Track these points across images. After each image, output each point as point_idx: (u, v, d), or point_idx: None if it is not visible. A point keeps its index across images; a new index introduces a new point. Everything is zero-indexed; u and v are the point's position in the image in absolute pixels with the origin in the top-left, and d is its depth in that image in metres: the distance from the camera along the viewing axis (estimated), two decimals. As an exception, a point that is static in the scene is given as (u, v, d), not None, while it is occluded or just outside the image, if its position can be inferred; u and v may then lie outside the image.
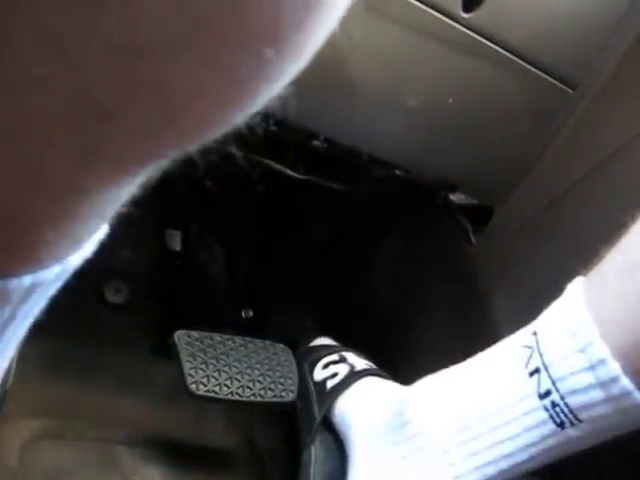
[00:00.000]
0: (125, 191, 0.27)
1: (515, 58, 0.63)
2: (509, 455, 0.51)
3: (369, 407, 0.62)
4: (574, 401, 0.48)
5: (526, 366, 0.50)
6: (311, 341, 0.77)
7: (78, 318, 0.70)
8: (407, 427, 0.56)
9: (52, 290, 0.30)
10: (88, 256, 0.29)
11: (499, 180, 0.73)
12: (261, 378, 0.67)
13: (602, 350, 0.46)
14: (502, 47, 0.62)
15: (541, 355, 0.49)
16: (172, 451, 0.67)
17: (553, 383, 0.48)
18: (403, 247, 0.87)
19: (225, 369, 0.65)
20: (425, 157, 0.69)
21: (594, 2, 0.64)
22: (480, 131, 0.68)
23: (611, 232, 0.49)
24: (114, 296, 0.77)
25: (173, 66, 0.20)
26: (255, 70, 0.21)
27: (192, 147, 0.25)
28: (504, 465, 0.51)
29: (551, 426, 0.49)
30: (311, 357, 0.73)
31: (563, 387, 0.48)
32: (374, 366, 0.70)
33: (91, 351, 0.71)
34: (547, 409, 0.49)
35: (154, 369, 0.73)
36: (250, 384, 0.66)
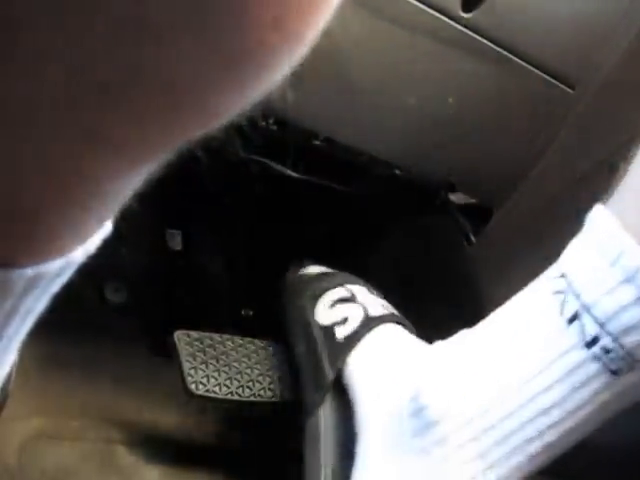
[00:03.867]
0: (130, 182, 0.27)
1: (515, 58, 0.63)
2: (556, 424, 0.44)
3: (384, 378, 0.53)
4: (630, 340, 0.41)
5: (561, 313, 0.43)
6: (300, 269, 0.68)
7: (78, 318, 0.70)
8: (425, 413, 0.48)
9: (55, 286, 0.30)
10: (91, 253, 0.29)
11: (499, 180, 0.73)
12: (261, 378, 0.67)
13: None
14: (502, 47, 0.62)
15: (578, 296, 0.42)
16: (172, 451, 0.67)
17: (601, 326, 0.41)
18: (402, 247, 0.87)
19: (225, 369, 0.65)
20: (425, 157, 0.69)
21: (594, 2, 0.64)
22: (480, 131, 0.68)
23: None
24: (114, 296, 0.77)
25: (175, 47, 0.20)
26: (256, 56, 0.21)
27: (195, 134, 0.24)
28: (551, 437, 0.44)
29: (606, 377, 0.42)
30: (310, 289, 0.62)
31: (613, 327, 0.41)
32: (390, 307, 0.61)
33: (91, 351, 0.71)
34: (599, 358, 0.42)
35: (154, 369, 0.73)
36: (250, 384, 0.65)
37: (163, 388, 0.72)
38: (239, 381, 0.65)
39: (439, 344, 0.52)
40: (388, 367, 0.54)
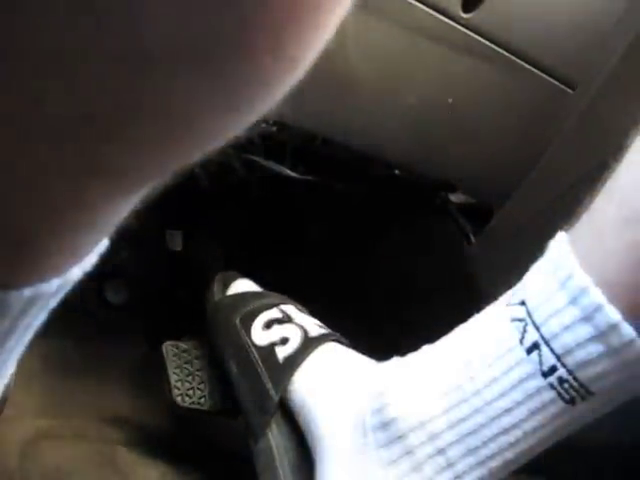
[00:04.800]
0: (127, 205, 0.27)
1: (515, 58, 0.63)
2: (515, 443, 0.47)
3: (338, 393, 0.54)
4: (584, 374, 0.43)
5: (521, 342, 0.45)
6: (228, 286, 0.67)
7: (78, 318, 0.70)
8: (392, 426, 0.50)
9: (53, 303, 0.30)
10: (88, 269, 0.30)
11: (499, 180, 0.73)
12: None
13: (613, 315, 0.42)
14: (502, 47, 0.62)
15: (538, 328, 0.44)
16: (172, 451, 0.67)
17: (558, 358, 0.44)
18: (402, 247, 0.87)
19: (211, 381, 0.64)
20: (425, 157, 0.69)
21: (594, 2, 0.64)
22: (480, 131, 0.68)
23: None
24: (114, 296, 0.77)
25: (173, 80, 0.20)
26: (255, 83, 0.22)
27: (194, 158, 0.25)
28: (511, 455, 0.47)
29: (560, 404, 0.45)
30: (242, 310, 0.62)
31: (570, 361, 0.43)
32: (325, 327, 0.61)
33: (91, 351, 0.71)
34: (554, 387, 0.44)
35: (154, 369, 0.73)
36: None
37: (163, 388, 0.71)
38: (225, 393, 0.64)
39: (398, 359, 0.54)
40: (340, 383, 0.55)
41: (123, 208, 0.27)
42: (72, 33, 0.19)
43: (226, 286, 0.67)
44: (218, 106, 0.22)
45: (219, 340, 0.62)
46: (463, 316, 0.52)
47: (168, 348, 0.64)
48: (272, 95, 0.23)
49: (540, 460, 0.50)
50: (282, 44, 0.21)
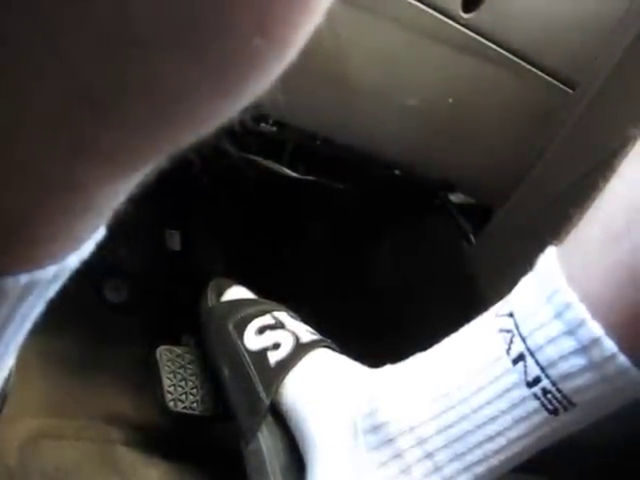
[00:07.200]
0: (122, 189, 0.27)
1: (515, 58, 0.63)
2: (500, 450, 0.48)
3: (329, 397, 0.55)
4: (567, 386, 0.45)
5: (507, 353, 0.47)
6: (222, 293, 0.68)
7: (77, 317, 0.70)
8: (382, 429, 0.51)
9: (50, 292, 0.30)
10: (86, 257, 0.29)
11: (499, 180, 0.73)
12: None
13: (595, 330, 0.43)
14: (502, 47, 0.63)
15: (524, 340, 0.46)
16: (172, 451, 0.67)
17: (542, 369, 0.45)
18: (402, 247, 0.87)
19: (204, 386, 0.64)
20: (425, 157, 0.69)
21: (594, 2, 0.64)
22: (480, 131, 0.68)
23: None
24: (114, 295, 0.77)
25: (164, 59, 0.21)
26: (244, 63, 0.22)
27: (186, 142, 0.25)
28: (495, 462, 0.48)
29: (544, 414, 0.46)
30: (235, 316, 0.63)
31: (553, 372, 0.45)
32: (317, 333, 0.62)
33: (90, 350, 0.71)
34: (538, 397, 0.46)
35: (154, 369, 0.73)
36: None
37: (156, 393, 0.71)
38: (218, 398, 0.63)
39: (391, 367, 0.55)
40: (331, 387, 0.56)
41: (118, 193, 0.27)
42: (63, 16, 0.19)
43: (220, 293, 0.68)
44: (208, 88, 0.22)
45: (213, 345, 0.63)
46: (463, 317, 0.52)
47: (162, 353, 0.64)
48: (262, 78, 0.23)
49: (540, 460, 0.50)
50: (269, 25, 0.21)
